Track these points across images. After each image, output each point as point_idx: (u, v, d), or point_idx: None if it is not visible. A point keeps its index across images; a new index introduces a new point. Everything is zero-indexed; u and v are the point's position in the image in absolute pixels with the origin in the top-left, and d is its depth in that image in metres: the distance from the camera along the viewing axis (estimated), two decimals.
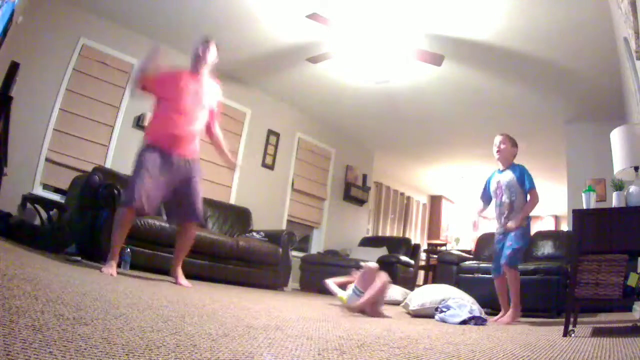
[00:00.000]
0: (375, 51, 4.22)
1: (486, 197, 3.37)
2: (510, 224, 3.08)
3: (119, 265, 3.16)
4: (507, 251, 3.02)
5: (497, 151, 3.22)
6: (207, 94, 2.99)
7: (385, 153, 7.94)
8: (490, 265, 4.18)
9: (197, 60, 2.97)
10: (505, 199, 3.14)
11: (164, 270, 3.68)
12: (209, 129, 3.11)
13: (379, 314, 2.68)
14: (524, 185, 3.07)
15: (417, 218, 10.32)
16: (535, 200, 3.08)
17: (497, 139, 3.26)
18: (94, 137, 4.46)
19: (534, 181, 3.10)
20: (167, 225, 3.84)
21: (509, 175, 3.14)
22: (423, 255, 8.04)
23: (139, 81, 2.89)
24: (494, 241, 3.29)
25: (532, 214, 3.13)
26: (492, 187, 3.26)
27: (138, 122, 4.70)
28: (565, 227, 9.51)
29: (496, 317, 3.09)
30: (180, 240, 3.06)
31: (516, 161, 3.26)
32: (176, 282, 2.95)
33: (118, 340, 0.91)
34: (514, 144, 3.23)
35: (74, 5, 4.35)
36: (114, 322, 1.09)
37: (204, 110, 2.97)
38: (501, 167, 3.24)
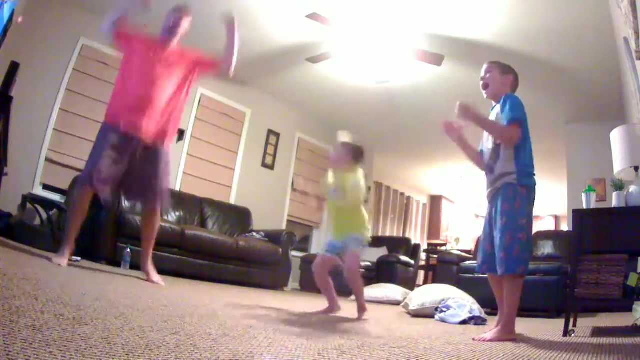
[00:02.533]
0: (375, 51, 4.22)
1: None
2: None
3: (118, 265, 3.12)
4: (502, 241, 1.93)
5: (484, 85, 2.21)
6: (177, 67, 2.71)
7: (385, 153, 7.93)
8: None
9: (169, 32, 2.69)
10: (489, 144, 2.16)
11: (163, 270, 3.68)
12: (212, 67, 2.83)
13: None
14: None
15: (417, 218, 10.32)
16: (511, 130, 2.00)
17: (484, 67, 2.26)
18: (94, 137, 4.41)
19: (522, 115, 2.06)
20: (167, 225, 3.85)
21: (495, 111, 2.17)
22: (423, 255, 8.04)
23: (117, 25, 2.60)
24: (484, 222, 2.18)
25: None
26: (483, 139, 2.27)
27: None
28: (565, 227, 9.51)
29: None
30: (144, 229, 2.85)
31: None
32: (147, 279, 2.72)
33: (118, 340, 0.91)
34: (505, 71, 2.22)
35: (74, 5, 4.35)
36: (114, 322, 1.09)
37: (171, 86, 2.68)
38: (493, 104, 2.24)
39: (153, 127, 2.62)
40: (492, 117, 2.17)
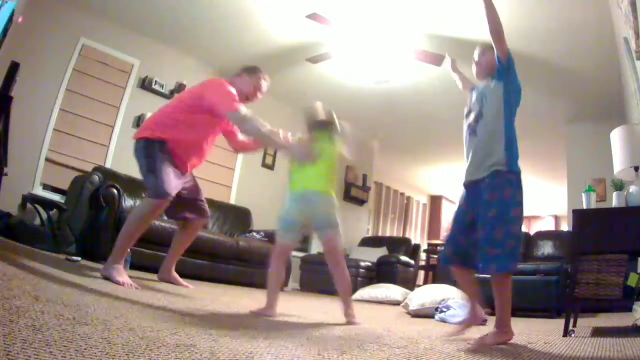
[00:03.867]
0: (375, 51, 4.22)
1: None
2: None
3: None
4: (491, 235, 1.69)
5: (477, 68, 2.09)
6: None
7: (385, 153, 7.93)
8: None
9: (249, 96, 2.96)
10: (474, 113, 2.07)
11: None
12: (234, 142, 3.02)
13: None
14: (504, 77, 1.90)
15: (417, 218, 10.32)
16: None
17: (477, 50, 2.10)
18: (94, 137, 4.45)
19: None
20: (167, 225, 3.85)
21: (487, 83, 2.04)
22: (423, 255, 8.04)
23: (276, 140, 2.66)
24: (458, 204, 2.02)
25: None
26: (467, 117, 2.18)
27: (138, 122, 4.69)
28: (565, 227, 9.50)
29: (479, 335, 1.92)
30: (184, 237, 2.96)
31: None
32: (177, 284, 2.85)
33: (118, 340, 0.91)
34: None
35: (74, 5, 4.35)
36: (114, 322, 1.09)
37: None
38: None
39: (195, 165, 2.85)
40: (479, 89, 2.05)
